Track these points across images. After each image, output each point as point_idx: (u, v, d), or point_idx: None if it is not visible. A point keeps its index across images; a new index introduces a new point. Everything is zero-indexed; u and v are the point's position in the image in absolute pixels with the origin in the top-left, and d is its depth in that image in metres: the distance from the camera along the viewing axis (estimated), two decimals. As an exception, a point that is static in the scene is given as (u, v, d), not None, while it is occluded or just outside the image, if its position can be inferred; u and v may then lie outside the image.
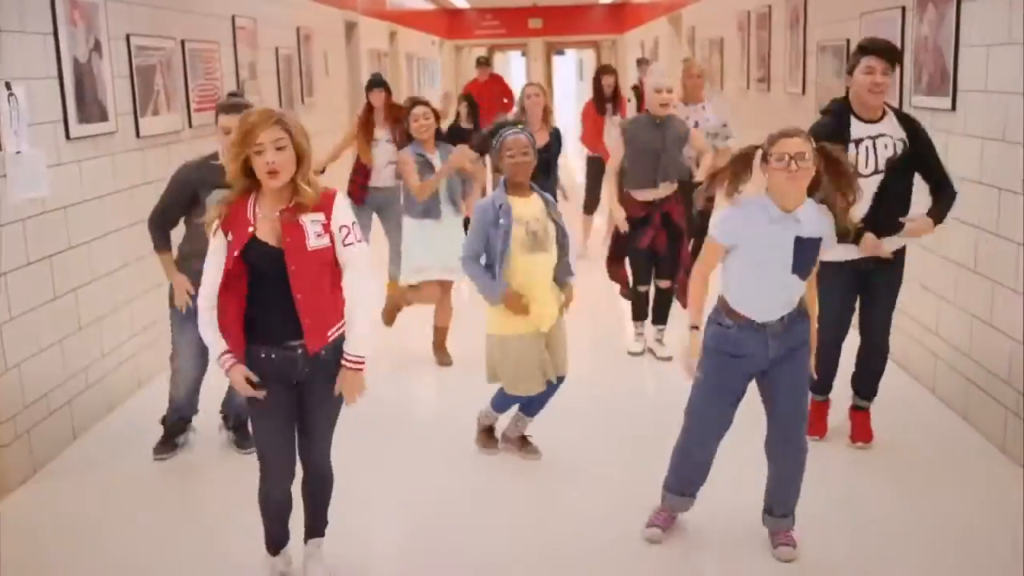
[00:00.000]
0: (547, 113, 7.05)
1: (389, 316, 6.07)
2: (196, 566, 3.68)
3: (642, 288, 5.95)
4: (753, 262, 3.33)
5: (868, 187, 4.04)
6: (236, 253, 2.99)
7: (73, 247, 4.91)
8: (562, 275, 4.23)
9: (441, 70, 22.41)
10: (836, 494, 4.07)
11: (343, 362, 3.14)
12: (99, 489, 4.36)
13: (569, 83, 36.36)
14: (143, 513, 4.11)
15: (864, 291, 4.33)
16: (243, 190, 3.05)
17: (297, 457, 3.28)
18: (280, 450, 3.20)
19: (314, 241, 3.03)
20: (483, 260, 4.15)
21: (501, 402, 4.41)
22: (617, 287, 6.20)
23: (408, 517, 4.05)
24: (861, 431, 4.50)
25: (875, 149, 4.15)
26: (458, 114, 8.97)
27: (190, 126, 6.45)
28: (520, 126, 4.25)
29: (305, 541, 3.44)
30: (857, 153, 4.12)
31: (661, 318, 5.99)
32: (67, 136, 4.85)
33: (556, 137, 7.08)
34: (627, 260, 5.97)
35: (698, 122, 6.64)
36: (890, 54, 4.14)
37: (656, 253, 5.78)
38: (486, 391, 4.48)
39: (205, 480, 4.47)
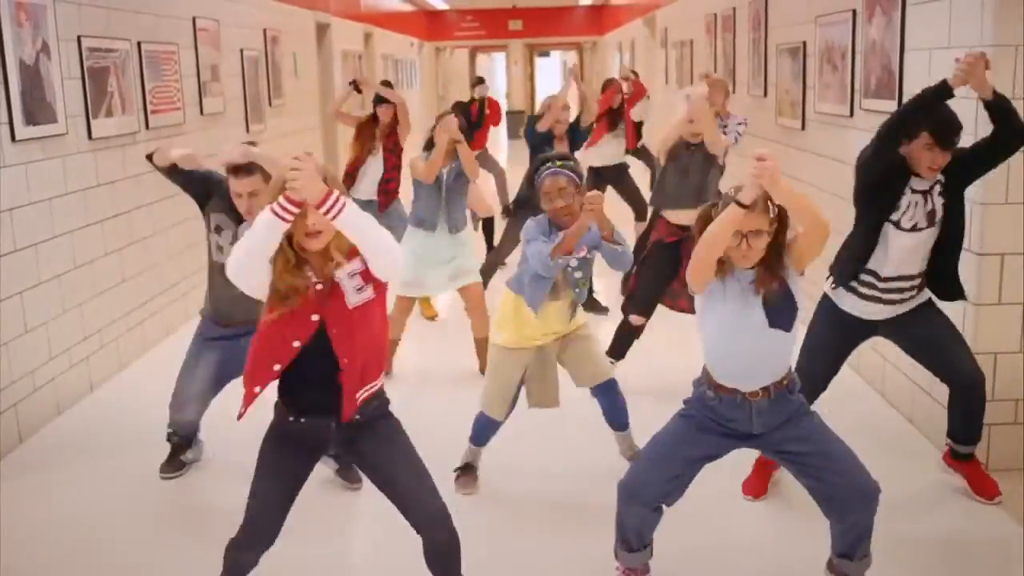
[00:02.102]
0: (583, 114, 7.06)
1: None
2: (136, 572, 3.67)
3: (636, 321, 5.28)
4: (727, 324, 3.02)
5: (905, 243, 3.72)
6: (316, 318, 2.70)
7: (19, 249, 4.88)
8: (571, 312, 4.02)
9: (420, 72, 22.37)
10: (787, 490, 4.08)
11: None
12: (45, 494, 4.33)
13: (553, 85, 36.38)
14: (88, 517, 4.08)
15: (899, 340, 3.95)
16: (287, 258, 2.70)
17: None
18: (268, 513, 2.87)
19: (354, 297, 2.72)
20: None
21: (478, 426, 4.13)
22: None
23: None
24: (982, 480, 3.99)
25: (925, 205, 3.72)
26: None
27: (147, 128, 6.42)
28: (561, 163, 3.86)
29: None
30: (908, 206, 3.71)
31: (619, 352, 5.37)
32: (12, 138, 4.82)
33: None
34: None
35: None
36: (950, 140, 3.61)
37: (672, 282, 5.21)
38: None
39: (152, 485, 4.43)
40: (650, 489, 3.16)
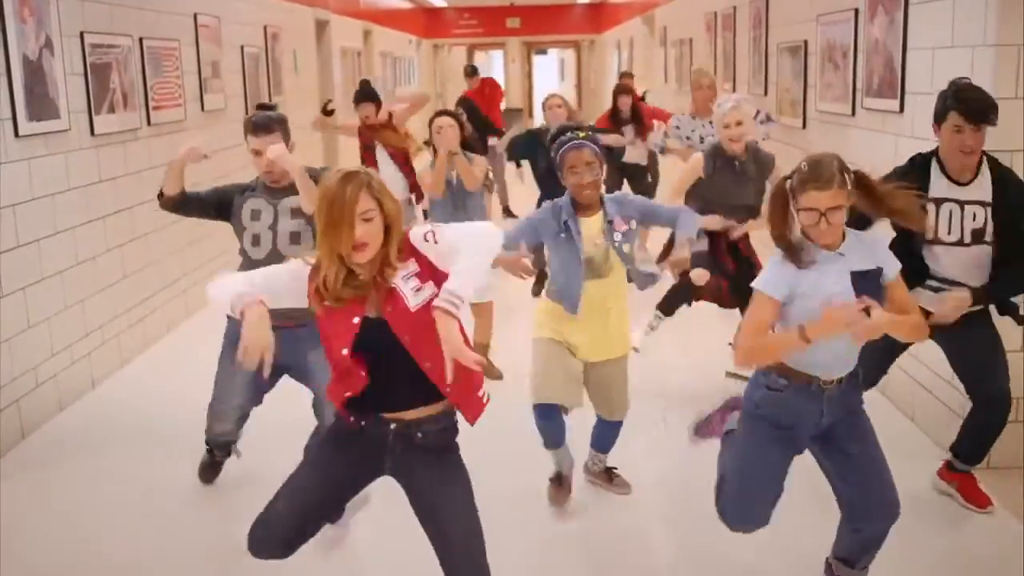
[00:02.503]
0: (573, 117, 6.90)
1: None
2: (137, 570, 3.67)
3: (696, 276, 4.89)
4: (807, 314, 2.81)
5: (955, 257, 3.62)
6: (356, 320, 2.57)
7: (22, 245, 4.89)
8: (682, 228, 3.75)
9: (418, 69, 22.37)
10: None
11: (436, 302, 2.51)
12: (47, 490, 4.33)
13: (551, 83, 36.38)
14: (89, 513, 4.09)
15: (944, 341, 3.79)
16: (338, 269, 2.57)
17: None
18: (296, 513, 2.67)
19: (414, 299, 2.58)
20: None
21: (539, 426, 3.80)
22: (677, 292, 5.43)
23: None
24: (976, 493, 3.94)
25: (961, 217, 3.60)
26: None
27: (149, 124, 6.42)
28: (583, 134, 3.65)
29: None
30: (938, 215, 3.59)
31: (669, 310, 5.48)
32: (16, 134, 4.82)
33: None
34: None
35: (704, 138, 6.32)
36: (982, 115, 3.48)
37: (725, 282, 5.01)
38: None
39: (154, 481, 4.43)
40: (761, 516, 3.06)
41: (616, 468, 4.13)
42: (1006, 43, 3.88)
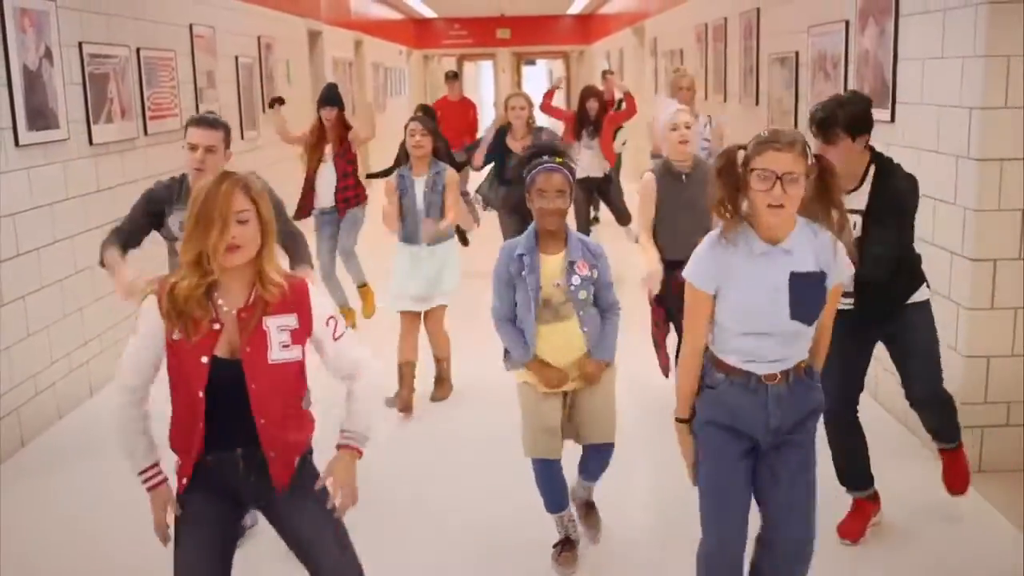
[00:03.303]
0: (531, 125, 6.90)
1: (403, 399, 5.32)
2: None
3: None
4: (740, 310, 2.60)
5: None
6: (205, 359, 2.44)
7: (22, 254, 4.91)
8: (594, 350, 3.49)
9: (409, 79, 22.44)
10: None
11: (340, 440, 2.56)
12: (46, 497, 4.35)
13: (540, 93, 36.54)
14: (88, 520, 4.11)
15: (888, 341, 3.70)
16: (198, 280, 2.43)
17: None
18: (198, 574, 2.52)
19: (277, 353, 2.47)
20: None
21: (539, 486, 3.59)
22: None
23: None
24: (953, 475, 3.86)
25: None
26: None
27: (145, 134, 6.46)
28: (560, 160, 3.45)
29: None
30: None
31: None
32: (16, 143, 4.85)
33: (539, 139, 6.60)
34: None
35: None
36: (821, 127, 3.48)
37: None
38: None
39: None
40: (734, 545, 2.74)
41: (595, 504, 3.81)
42: (995, 54, 3.96)
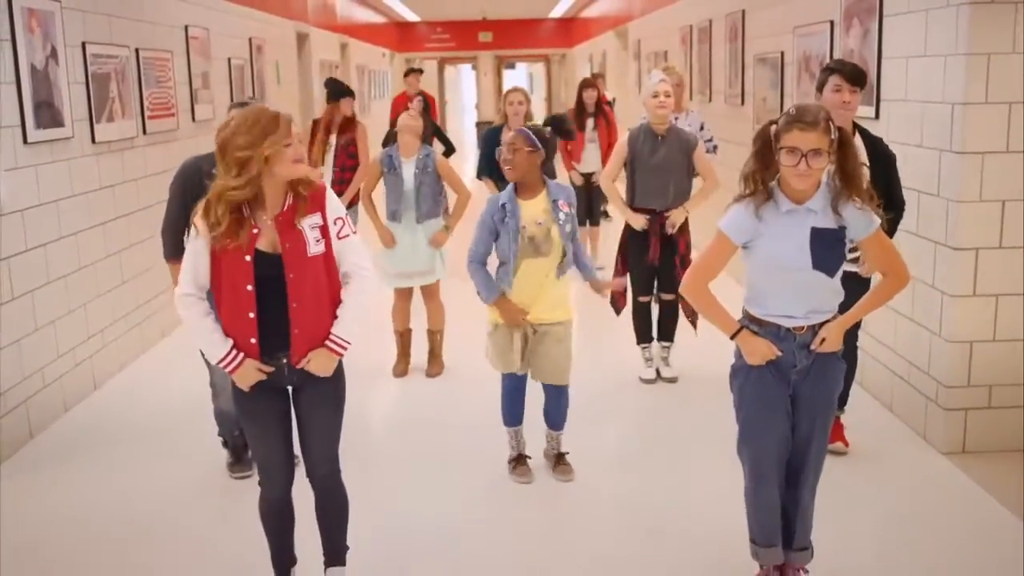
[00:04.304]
0: (528, 119, 6.92)
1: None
2: (145, 566, 3.80)
3: (643, 299, 5.55)
4: (769, 261, 2.97)
5: None
6: (248, 258, 2.85)
7: (30, 249, 5.00)
8: (559, 271, 4.13)
9: (392, 82, 22.53)
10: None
11: (326, 342, 2.97)
12: (55, 488, 4.44)
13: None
14: (95, 511, 4.19)
15: None
16: (247, 195, 2.84)
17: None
18: (274, 452, 3.07)
19: (314, 247, 2.91)
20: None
21: (504, 399, 4.32)
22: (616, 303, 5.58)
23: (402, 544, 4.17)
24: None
25: None
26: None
27: (144, 133, 6.55)
28: (526, 126, 4.21)
29: (325, 570, 3.27)
30: None
31: (667, 334, 5.64)
32: (24, 141, 4.95)
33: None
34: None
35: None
36: (855, 76, 4.13)
37: (654, 266, 5.44)
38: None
39: (156, 479, 4.55)
40: (769, 450, 3.10)
41: (567, 453, 4.39)
42: (976, 52, 4.14)
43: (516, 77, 35.58)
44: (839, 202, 2.93)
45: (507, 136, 4.13)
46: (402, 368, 5.88)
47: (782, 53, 6.66)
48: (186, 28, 7.52)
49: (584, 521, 3.96)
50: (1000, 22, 4.11)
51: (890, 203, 3.94)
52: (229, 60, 8.70)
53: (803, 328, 3.03)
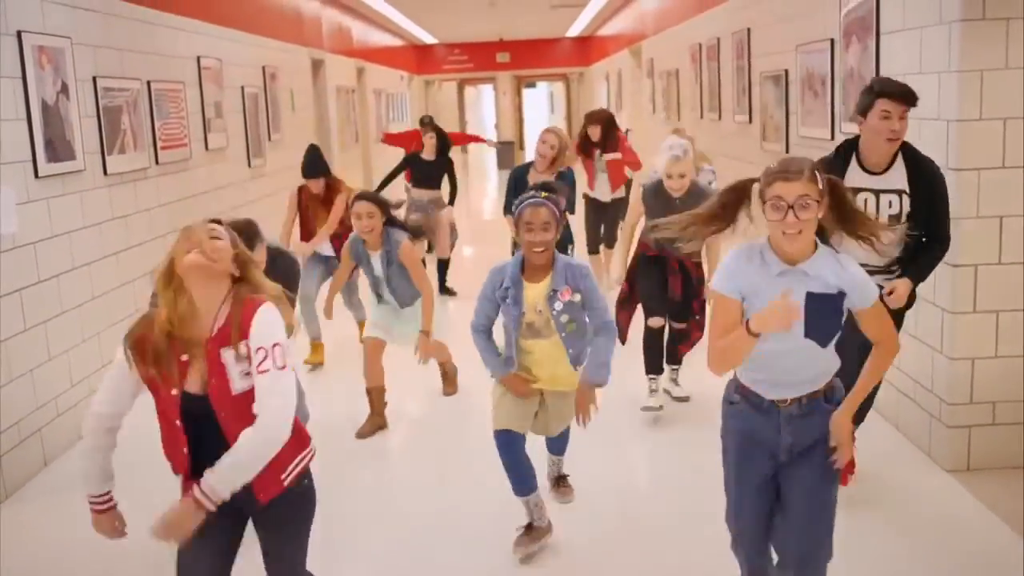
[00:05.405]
0: (559, 155, 6.69)
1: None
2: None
3: (654, 322, 5.34)
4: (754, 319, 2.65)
5: None
6: (175, 392, 2.51)
7: (43, 280, 5.11)
8: (587, 372, 3.73)
9: (410, 104, 22.72)
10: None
11: (192, 490, 2.50)
12: (69, 516, 4.51)
13: (541, 115, 36.93)
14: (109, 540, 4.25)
15: None
16: (168, 320, 2.53)
17: None
18: None
19: (240, 383, 2.51)
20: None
21: (505, 463, 3.78)
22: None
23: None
24: None
25: (877, 205, 3.84)
26: (422, 144, 8.96)
27: (156, 163, 6.67)
28: (545, 194, 3.64)
29: None
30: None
31: (675, 358, 5.57)
32: (36, 175, 5.06)
33: (565, 180, 6.54)
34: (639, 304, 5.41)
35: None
36: (906, 96, 3.77)
37: (670, 297, 5.30)
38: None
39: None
40: (752, 532, 2.90)
41: (568, 476, 4.37)
42: (969, 69, 4.15)
43: (537, 96, 35.84)
44: (839, 252, 2.70)
45: (534, 214, 3.59)
46: (367, 429, 5.29)
47: (786, 71, 6.69)
48: (198, 59, 7.65)
49: (585, 546, 3.98)
50: (992, 39, 4.12)
51: (927, 239, 3.83)
52: (242, 88, 8.84)
53: (787, 401, 2.76)
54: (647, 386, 5.44)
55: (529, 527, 3.84)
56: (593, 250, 8.26)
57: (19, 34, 4.94)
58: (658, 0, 12.83)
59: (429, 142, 8.86)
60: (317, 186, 6.69)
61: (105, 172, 5.90)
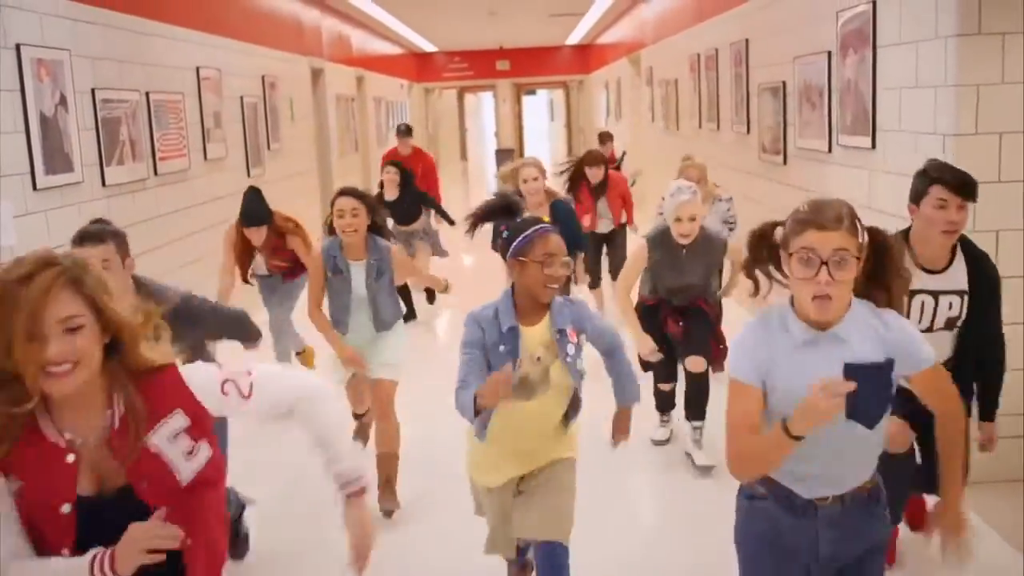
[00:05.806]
0: (549, 195, 6.12)
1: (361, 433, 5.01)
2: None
3: (664, 387, 5.07)
4: (785, 409, 2.07)
5: None
6: (68, 508, 1.80)
7: (40, 293, 5.10)
8: (565, 420, 3.05)
9: (410, 112, 22.75)
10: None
11: (343, 491, 2.07)
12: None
13: (541, 123, 37.00)
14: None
15: None
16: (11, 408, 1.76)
17: None
18: None
19: (187, 469, 1.86)
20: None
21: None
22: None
23: None
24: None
25: (936, 307, 3.30)
26: (381, 183, 8.08)
27: (155, 174, 6.68)
28: (544, 224, 2.96)
29: None
30: (909, 307, 3.19)
31: (697, 412, 4.84)
32: (34, 187, 5.07)
33: (561, 211, 5.88)
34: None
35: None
36: (965, 187, 3.18)
37: (677, 339, 4.83)
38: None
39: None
40: None
41: None
42: (965, 83, 4.16)
43: (537, 104, 35.90)
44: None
45: (557, 244, 2.91)
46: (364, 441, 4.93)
47: (784, 83, 6.70)
48: (197, 69, 7.67)
49: None
50: (988, 53, 4.13)
51: (980, 351, 3.39)
52: (241, 98, 8.86)
53: (828, 499, 2.21)
54: (658, 417, 5.19)
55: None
56: (595, 284, 7.73)
57: (18, 47, 4.95)
58: (657, 9, 12.85)
59: (390, 181, 7.91)
60: (259, 236, 5.71)
61: (103, 183, 5.90)
